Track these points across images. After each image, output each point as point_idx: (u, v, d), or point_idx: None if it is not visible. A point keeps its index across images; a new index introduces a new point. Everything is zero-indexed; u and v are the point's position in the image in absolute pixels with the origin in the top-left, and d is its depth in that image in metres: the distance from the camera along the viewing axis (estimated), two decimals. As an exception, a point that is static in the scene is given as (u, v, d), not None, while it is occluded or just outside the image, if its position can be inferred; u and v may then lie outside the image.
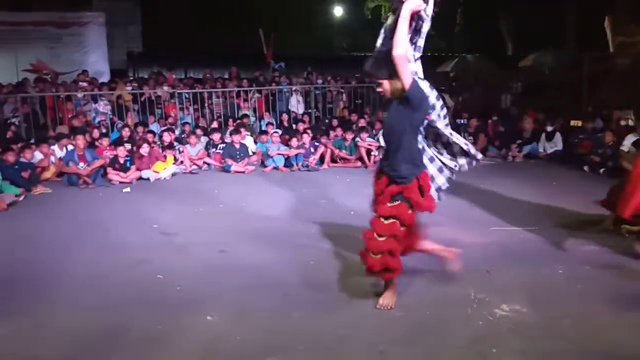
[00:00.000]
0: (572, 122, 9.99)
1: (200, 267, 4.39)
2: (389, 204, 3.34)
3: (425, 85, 3.49)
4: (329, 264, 4.40)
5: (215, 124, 10.77)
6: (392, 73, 3.25)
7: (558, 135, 9.66)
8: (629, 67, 12.02)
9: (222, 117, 11.47)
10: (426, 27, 3.46)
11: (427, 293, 3.75)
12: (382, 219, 3.34)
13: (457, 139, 3.74)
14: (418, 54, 3.58)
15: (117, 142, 9.09)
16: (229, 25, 19.40)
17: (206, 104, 11.75)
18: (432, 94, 3.54)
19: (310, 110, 12.40)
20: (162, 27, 18.60)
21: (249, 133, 10.16)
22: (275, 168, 9.23)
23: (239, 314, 3.44)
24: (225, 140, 9.70)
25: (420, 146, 3.48)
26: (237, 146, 9.26)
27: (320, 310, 3.51)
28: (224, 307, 3.57)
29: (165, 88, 11.70)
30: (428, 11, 3.40)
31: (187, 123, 10.81)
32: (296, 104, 12.54)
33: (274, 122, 11.52)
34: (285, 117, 11.67)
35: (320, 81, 13.81)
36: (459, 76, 16.02)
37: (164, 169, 8.59)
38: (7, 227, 5.94)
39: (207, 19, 19.45)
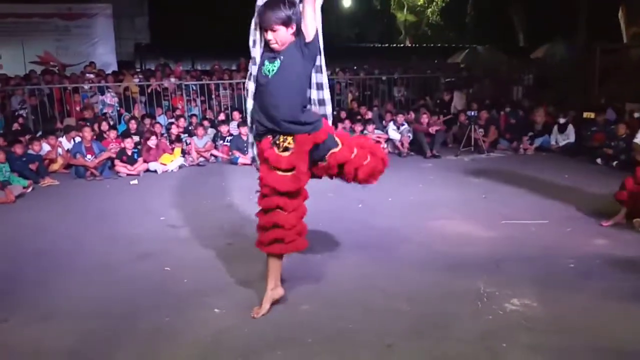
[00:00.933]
0: (585, 114, 9.84)
1: (207, 259, 4.37)
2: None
3: None
4: (336, 256, 4.36)
5: (222, 116, 10.74)
6: (287, 20, 2.97)
7: (570, 128, 9.52)
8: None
9: (229, 109, 11.43)
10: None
11: (436, 286, 3.70)
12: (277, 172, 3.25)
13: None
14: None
15: (125, 134, 9.10)
16: (237, 17, 19.31)
17: (213, 96, 11.72)
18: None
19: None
20: (169, 19, 18.54)
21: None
22: (283, 160, 9.17)
23: (247, 307, 3.41)
24: (233, 133, 9.67)
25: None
26: (245, 138, 9.22)
27: (327, 303, 3.48)
28: (231, 299, 3.55)
29: (173, 80, 11.67)
30: None
31: (194, 115, 10.79)
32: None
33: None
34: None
35: (328, 72, 13.69)
36: (470, 67, 15.86)
37: (171, 162, 8.58)
38: (15, 219, 5.96)
39: (215, 11, 19.36)
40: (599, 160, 8.27)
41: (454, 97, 11.93)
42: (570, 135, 9.50)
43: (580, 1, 16.58)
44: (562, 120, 9.65)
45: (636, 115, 9.21)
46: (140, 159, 8.43)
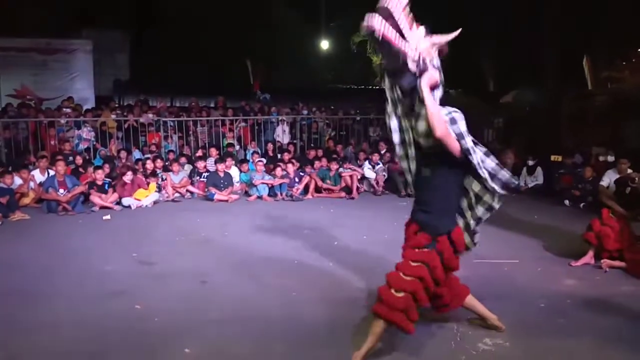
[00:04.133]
0: (553, 157, 10.17)
1: (179, 297, 4.30)
2: (417, 249, 3.17)
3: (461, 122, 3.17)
4: (311, 296, 4.34)
5: (199, 152, 10.75)
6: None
7: (539, 170, 9.82)
8: (607, 104, 12.37)
9: (207, 145, 11.47)
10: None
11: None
12: (410, 262, 3.15)
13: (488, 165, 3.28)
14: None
15: (99, 168, 9.00)
16: (216, 56, 19.61)
17: (191, 132, 11.75)
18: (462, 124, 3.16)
19: (295, 141, 12.47)
20: (150, 56, 18.69)
21: (233, 162, 10.15)
22: (259, 197, 9.19)
23: (219, 347, 3.36)
24: (209, 169, 9.68)
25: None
26: (222, 175, 9.23)
27: (301, 345, 3.44)
28: (203, 339, 3.49)
29: (150, 115, 11.69)
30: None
31: (171, 151, 10.78)
32: (282, 134, 12.60)
33: (259, 152, 11.54)
34: (270, 146, 11.71)
35: (305, 112, 13.94)
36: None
37: (145, 197, 8.50)
38: (-18, 254, 5.78)
39: (195, 50, 19.63)
40: (566, 202, 8.52)
41: None
42: (538, 177, 9.79)
43: (549, 49, 17.35)
44: (530, 162, 9.96)
45: (602, 158, 9.56)
46: (111, 190, 8.38)
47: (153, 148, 10.70)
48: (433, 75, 3.05)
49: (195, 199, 9.25)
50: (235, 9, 19.94)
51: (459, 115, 3.12)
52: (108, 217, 7.67)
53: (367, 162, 10.05)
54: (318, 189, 9.57)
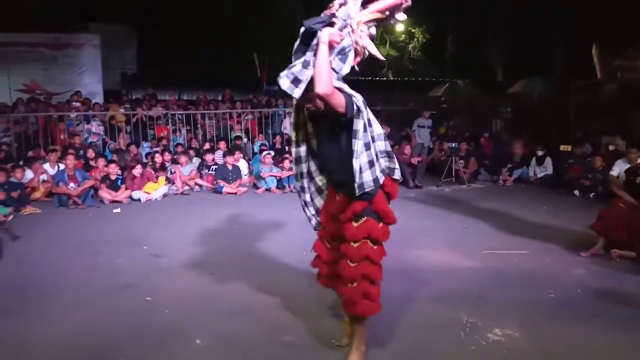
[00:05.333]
0: (562, 147, 10.11)
1: (189, 290, 4.34)
2: (354, 223, 2.91)
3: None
4: (318, 287, 4.35)
5: (207, 145, 10.79)
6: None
7: (548, 160, 9.76)
8: (617, 93, 12.25)
9: (215, 138, 11.50)
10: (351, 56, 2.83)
11: (417, 316, 3.72)
12: (351, 243, 2.90)
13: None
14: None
15: (111, 162, 9.07)
16: (223, 49, 19.60)
17: (199, 125, 11.79)
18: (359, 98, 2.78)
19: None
20: (157, 50, 18.73)
21: (241, 155, 10.18)
22: (268, 189, 9.22)
23: (229, 338, 3.39)
24: (218, 162, 9.71)
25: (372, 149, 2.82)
26: (230, 167, 9.26)
27: (311, 335, 3.47)
28: (213, 331, 3.52)
29: (160, 109, 11.74)
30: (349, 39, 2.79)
31: (179, 144, 10.82)
32: (289, 126, 12.59)
33: (267, 144, 11.56)
34: (278, 139, 11.72)
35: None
36: (450, 101, 16.22)
37: (155, 190, 8.55)
38: (-5, 247, 5.85)
39: (202, 43, 19.63)
40: (576, 192, 8.46)
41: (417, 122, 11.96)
42: (548, 168, 9.73)
43: (557, 38, 17.20)
44: (540, 153, 9.90)
45: (611, 148, 9.49)
46: (124, 186, 8.41)
47: (164, 142, 10.75)
48: (338, 34, 2.70)
49: (204, 192, 9.29)
50: (242, 1, 19.90)
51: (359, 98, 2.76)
52: (118, 210, 7.74)
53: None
54: (326, 181, 9.56)
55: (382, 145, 2.89)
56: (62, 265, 5.07)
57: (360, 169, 2.74)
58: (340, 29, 2.72)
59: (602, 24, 13.82)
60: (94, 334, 3.49)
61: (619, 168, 6.24)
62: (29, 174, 8.38)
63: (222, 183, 9.05)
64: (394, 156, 2.97)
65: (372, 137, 2.81)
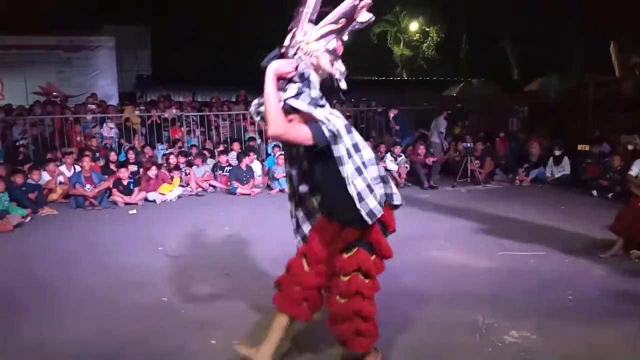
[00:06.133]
0: (580, 147, 9.97)
1: (204, 290, 4.36)
2: (345, 255, 2.73)
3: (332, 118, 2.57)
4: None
5: (221, 147, 10.84)
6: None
7: (566, 160, 9.63)
8: (635, 91, 12.04)
9: (229, 139, 11.55)
10: (315, 77, 2.58)
11: (433, 318, 3.68)
12: (341, 277, 2.72)
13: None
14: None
15: (124, 164, 9.16)
16: (237, 50, 19.70)
17: (213, 127, 11.84)
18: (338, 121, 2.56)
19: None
20: (171, 51, 18.89)
21: (255, 156, 10.21)
22: (281, 190, 9.22)
23: (243, 339, 3.38)
24: (232, 163, 9.75)
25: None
26: (244, 168, 9.29)
27: (325, 338, 3.45)
28: (228, 331, 3.52)
29: (174, 111, 11.82)
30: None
31: (194, 145, 10.88)
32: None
33: (280, 145, 11.56)
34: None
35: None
36: (465, 100, 16.09)
37: (170, 191, 8.61)
38: (13, 248, 5.95)
39: (215, 44, 19.75)
40: (594, 192, 8.34)
41: (432, 124, 11.80)
42: (565, 167, 9.60)
43: (574, 35, 16.98)
44: (557, 152, 9.77)
45: (630, 147, 9.32)
46: (137, 189, 8.47)
47: (180, 145, 10.82)
48: (288, 63, 2.54)
49: (218, 193, 9.33)
50: (255, 2, 19.97)
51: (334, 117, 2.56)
52: (134, 211, 7.80)
53: (388, 155, 9.99)
54: (340, 182, 9.54)
55: (374, 170, 2.65)
56: (79, 265, 5.12)
57: (360, 194, 2.54)
58: (292, 57, 2.58)
59: (620, 21, 13.61)
60: (110, 333, 3.51)
61: (637, 168, 6.11)
62: (46, 176, 8.49)
63: (236, 184, 9.08)
64: (390, 180, 2.77)
65: (363, 163, 2.59)
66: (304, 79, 2.54)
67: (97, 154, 9.74)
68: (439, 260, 5.08)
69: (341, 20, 2.55)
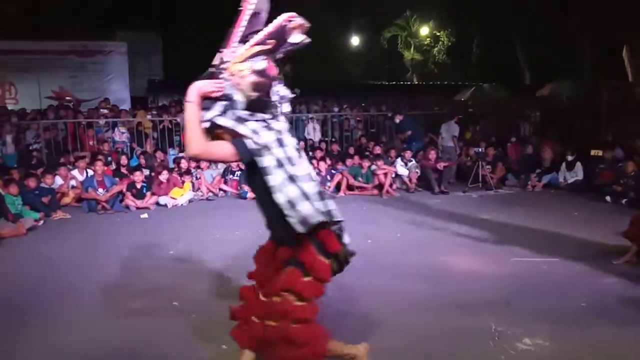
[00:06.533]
0: (593, 152, 9.87)
1: (216, 294, 4.36)
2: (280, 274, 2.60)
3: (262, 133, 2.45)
4: (341, 292, 4.33)
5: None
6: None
7: (579, 165, 9.54)
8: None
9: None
10: (239, 97, 2.45)
11: (445, 324, 3.66)
12: (272, 297, 2.60)
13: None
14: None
15: (137, 168, 9.22)
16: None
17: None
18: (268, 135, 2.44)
19: (327, 139, 12.49)
20: (182, 56, 19.02)
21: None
22: (292, 195, 9.22)
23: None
24: (242, 167, 9.78)
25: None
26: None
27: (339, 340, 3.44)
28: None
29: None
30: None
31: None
32: (312, 132, 12.63)
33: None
34: (301, 144, 11.74)
35: (336, 109, 13.93)
36: (476, 105, 16.03)
37: (181, 196, 8.65)
38: (26, 251, 6.00)
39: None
40: (608, 198, 8.25)
41: (442, 129, 11.72)
42: (578, 173, 9.51)
43: (585, 40, 16.85)
44: (570, 158, 9.68)
45: (645, 152, 9.21)
46: (149, 193, 8.52)
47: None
48: (211, 84, 2.47)
49: (229, 197, 9.36)
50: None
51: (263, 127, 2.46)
52: (145, 215, 7.85)
53: (399, 160, 9.96)
54: (350, 187, 9.54)
55: (311, 187, 2.47)
56: (91, 269, 5.15)
57: (291, 201, 2.40)
58: (217, 77, 2.50)
59: (633, 25, 13.49)
60: (121, 337, 3.54)
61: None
62: (58, 180, 8.57)
63: (246, 188, 9.09)
64: (328, 197, 2.58)
65: (297, 176, 2.45)
66: (228, 99, 2.46)
67: (109, 158, 9.81)
68: (450, 266, 5.05)
69: (270, 42, 2.48)
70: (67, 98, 14.42)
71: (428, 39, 26.94)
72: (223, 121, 2.44)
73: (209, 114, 2.47)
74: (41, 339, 3.56)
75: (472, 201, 8.67)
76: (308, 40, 2.54)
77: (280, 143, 2.46)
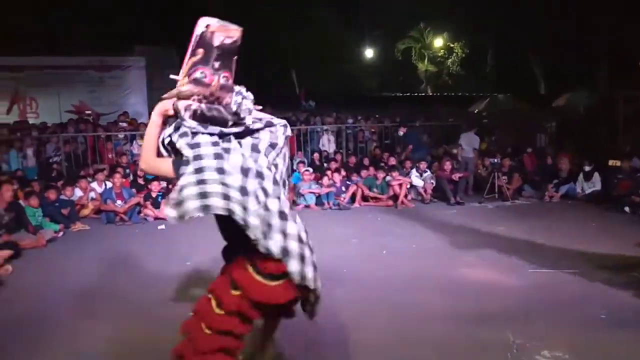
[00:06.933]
0: (610, 162, 9.76)
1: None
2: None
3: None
4: (359, 303, 4.34)
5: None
6: None
7: (596, 175, 9.44)
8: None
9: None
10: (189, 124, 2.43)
11: (462, 336, 3.64)
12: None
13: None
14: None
15: (154, 180, 9.32)
16: (261, 66, 20.00)
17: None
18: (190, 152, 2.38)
19: (341, 150, 12.53)
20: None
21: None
22: (307, 206, 9.27)
23: (274, 353, 3.40)
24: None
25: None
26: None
27: (354, 351, 3.44)
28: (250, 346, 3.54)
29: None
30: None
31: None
32: (327, 143, 12.69)
33: (305, 161, 11.65)
34: (316, 156, 11.80)
35: (351, 120, 13.98)
36: (491, 116, 15.98)
37: (198, 207, 8.71)
38: (46, 262, 6.10)
39: (241, 62, 20.11)
40: (626, 209, 8.14)
41: (462, 140, 11.62)
42: (596, 183, 9.41)
43: (601, 49, 16.73)
44: (587, 168, 9.59)
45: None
46: (164, 201, 8.61)
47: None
48: (167, 103, 2.49)
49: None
50: (280, 20, 20.27)
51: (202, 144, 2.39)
52: (163, 226, 7.93)
53: (414, 170, 9.95)
54: (365, 198, 9.55)
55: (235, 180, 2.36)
56: (111, 279, 5.23)
57: (182, 187, 2.33)
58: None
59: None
60: (140, 348, 3.58)
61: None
62: (78, 192, 8.71)
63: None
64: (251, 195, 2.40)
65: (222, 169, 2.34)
66: (176, 113, 2.46)
67: (128, 171, 9.95)
68: (467, 278, 5.02)
69: (198, 51, 2.49)
70: (87, 112, 14.69)
71: (442, 51, 26.97)
72: (174, 137, 2.45)
73: (165, 131, 2.50)
74: (61, 348, 3.61)
75: (488, 212, 8.62)
76: (234, 38, 2.55)
77: (218, 156, 2.36)
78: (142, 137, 11.45)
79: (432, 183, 9.83)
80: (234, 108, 2.50)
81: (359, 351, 3.46)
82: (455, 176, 9.64)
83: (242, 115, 2.50)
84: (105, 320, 4.14)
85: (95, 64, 15.64)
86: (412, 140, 11.47)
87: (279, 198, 2.47)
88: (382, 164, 10.40)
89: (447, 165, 9.83)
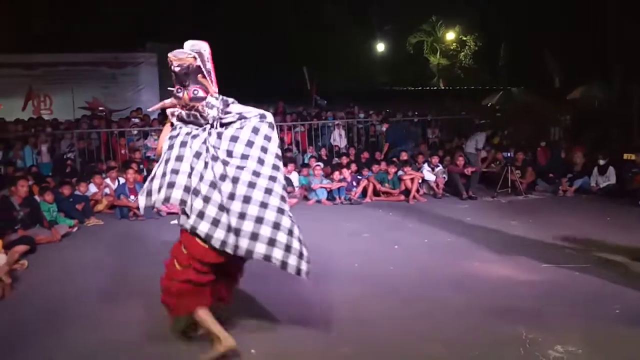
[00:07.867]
0: (625, 156, 9.63)
1: (243, 299, 4.41)
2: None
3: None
4: (371, 297, 4.34)
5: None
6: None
7: (611, 169, 9.32)
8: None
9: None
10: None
11: (475, 331, 3.63)
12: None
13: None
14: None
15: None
16: (275, 64, 20.03)
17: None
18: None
19: (354, 145, 12.51)
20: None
21: (295, 168, 10.28)
22: (318, 201, 9.27)
23: (282, 349, 3.43)
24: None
25: None
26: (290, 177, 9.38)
27: (368, 346, 3.45)
28: (267, 340, 3.57)
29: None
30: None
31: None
32: (338, 138, 12.67)
33: (317, 156, 11.64)
34: (323, 151, 11.80)
35: (362, 115, 13.94)
36: (504, 109, 15.83)
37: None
38: (61, 257, 6.17)
39: (254, 58, 20.12)
40: (642, 203, 8.03)
41: (470, 139, 11.53)
42: (611, 177, 9.29)
43: (617, 41, 16.47)
44: (602, 162, 9.47)
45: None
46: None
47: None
48: (169, 103, 3.56)
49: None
50: (292, 16, 20.26)
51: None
52: (175, 222, 7.96)
53: (425, 165, 9.90)
54: (377, 193, 9.53)
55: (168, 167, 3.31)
56: (126, 273, 5.29)
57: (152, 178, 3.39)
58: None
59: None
60: (154, 344, 3.62)
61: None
62: (92, 188, 8.80)
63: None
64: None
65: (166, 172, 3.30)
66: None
67: (141, 166, 10.02)
68: (480, 272, 5.00)
69: (172, 74, 3.51)
70: (100, 108, 14.82)
71: (454, 44, 26.77)
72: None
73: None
74: (77, 345, 3.66)
75: (501, 206, 8.55)
76: (185, 64, 3.43)
77: (170, 147, 3.35)
78: (156, 132, 11.56)
79: (444, 177, 9.78)
80: (205, 113, 3.37)
81: (371, 345, 3.46)
82: (468, 170, 9.57)
83: (210, 121, 3.37)
84: (125, 311, 4.21)
85: (109, 60, 15.76)
86: (395, 135, 11.40)
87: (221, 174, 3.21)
88: (394, 159, 10.35)
89: (460, 160, 9.77)
